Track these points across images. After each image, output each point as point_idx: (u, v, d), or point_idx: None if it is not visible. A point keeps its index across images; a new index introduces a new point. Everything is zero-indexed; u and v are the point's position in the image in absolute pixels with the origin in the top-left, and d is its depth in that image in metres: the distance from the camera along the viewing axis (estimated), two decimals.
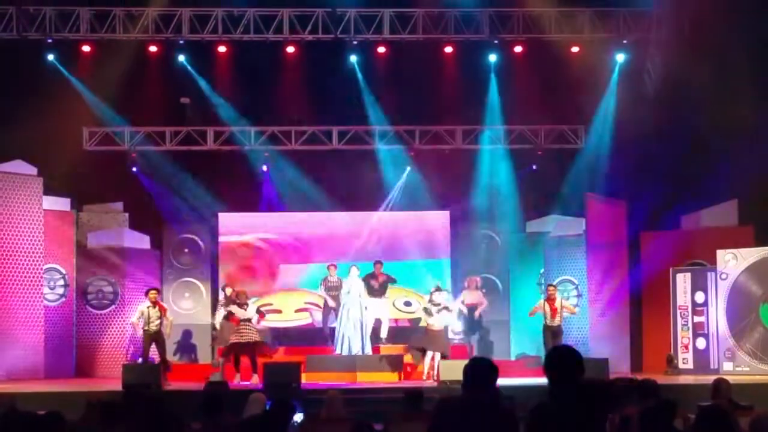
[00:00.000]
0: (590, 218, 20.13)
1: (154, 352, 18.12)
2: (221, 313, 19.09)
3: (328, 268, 20.38)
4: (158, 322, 17.80)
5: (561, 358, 5.71)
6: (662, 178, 19.48)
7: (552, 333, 18.11)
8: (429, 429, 6.25)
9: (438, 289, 18.74)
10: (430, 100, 21.61)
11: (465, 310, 20.31)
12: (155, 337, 17.86)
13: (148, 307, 17.82)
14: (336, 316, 19.41)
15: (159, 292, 18.67)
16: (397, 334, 20.51)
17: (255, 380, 17.05)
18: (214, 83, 21.69)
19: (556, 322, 18.18)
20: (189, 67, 21.47)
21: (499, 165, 22.23)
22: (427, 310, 18.17)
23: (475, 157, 22.25)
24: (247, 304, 17.84)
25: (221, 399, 8.47)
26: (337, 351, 18.69)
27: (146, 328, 17.78)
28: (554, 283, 19.38)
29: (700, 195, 19.58)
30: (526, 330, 21.24)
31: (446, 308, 18.21)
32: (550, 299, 18.32)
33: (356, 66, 21.65)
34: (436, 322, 18.02)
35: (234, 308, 17.93)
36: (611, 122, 20.94)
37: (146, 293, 18.16)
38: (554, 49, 20.87)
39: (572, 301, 19.55)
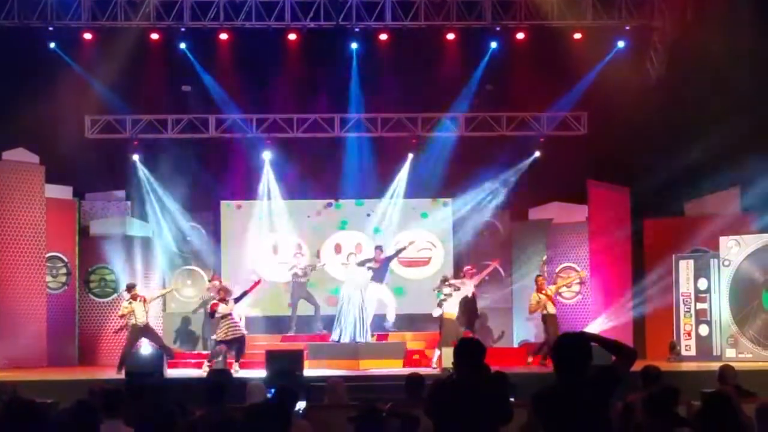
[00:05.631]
0: (593, 205, 20.10)
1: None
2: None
3: (294, 255, 20.57)
4: (144, 314, 17.73)
5: (570, 346, 5.70)
6: (665, 165, 19.43)
7: (552, 319, 18.15)
8: (425, 410, 6.59)
9: (445, 279, 18.79)
10: (432, 87, 21.54)
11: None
12: (145, 330, 17.78)
13: (130, 302, 17.74)
14: (295, 302, 20.16)
15: (134, 287, 18.20)
16: (404, 321, 20.62)
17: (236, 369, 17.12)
18: (216, 71, 21.64)
19: (553, 309, 18.25)
20: (191, 54, 21.39)
21: (501, 152, 22.18)
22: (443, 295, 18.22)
23: (476, 144, 22.21)
24: (227, 300, 17.73)
25: (224, 387, 8.46)
26: (334, 338, 18.68)
27: (134, 322, 17.70)
28: (539, 273, 19.37)
29: (703, 181, 19.55)
30: (529, 318, 21.27)
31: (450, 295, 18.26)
32: (540, 289, 18.32)
33: (358, 53, 21.58)
34: (449, 310, 18.06)
35: (219, 306, 17.79)
36: (614, 108, 20.87)
37: (128, 290, 18.09)
38: (556, 35, 20.81)
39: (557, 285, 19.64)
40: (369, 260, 20.01)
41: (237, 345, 17.56)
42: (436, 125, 22.18)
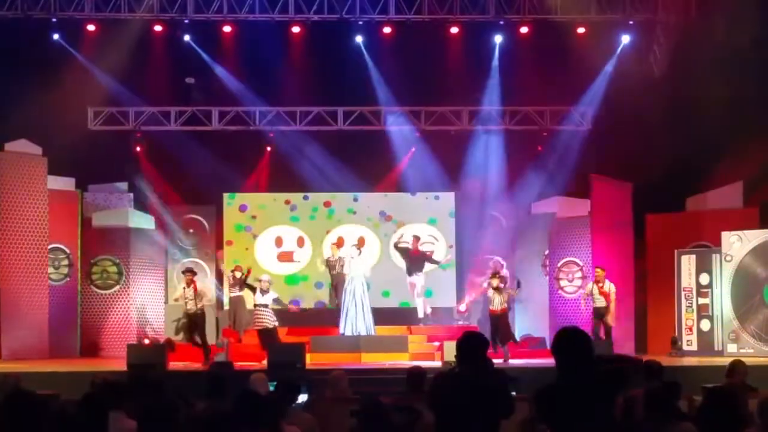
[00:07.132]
0: (595, 199, 20.09)
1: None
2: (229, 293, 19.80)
3: (330, 247, 20.58)
4: (193, 302, 17.58)
5: (569, 340, 5.69)
6: (667, 160, 19.41)
7: (599, 315, 18.02)
8: (427, 403, 6.64)
9: (497, 273, 18.65)
10: (436, 80, 21.53)
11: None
12: (192, 317, 17.69)
13: (183, 288, 17.69)
14: (339, 293, 19.60)
15: (193, 273, 18.17)
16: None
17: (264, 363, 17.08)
18: (219, 63, 21.63)
19: (604, 303, 18.11)
20: (195, 47, 21.38)
21: (504, 146, 22.18)
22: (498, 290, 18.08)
23: (481, 138, 22.22)
24: (268, 291, 17.77)
25: (226, 379, 8.47)
26: (341, 331, 18.70)
27: (184, 308, 17.76)
28: (598, 267, 19.16)
29: (705, 177, 19.54)
30: (531, 311, 21.26)
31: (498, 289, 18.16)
32: (597, 281, 18.19)
33: (362, 46, 21.58)
34: (496, 306, 18.01)
35: (256, 293, 17.87)
36: (616, 103, 20.86)
37: (183, 273, 18.11)
38: (560, 29, 20.79)
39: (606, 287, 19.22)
40: (407, 250, 20.41)
41: (271, 335, 17.58)
42: (439, 119, 22.18)
